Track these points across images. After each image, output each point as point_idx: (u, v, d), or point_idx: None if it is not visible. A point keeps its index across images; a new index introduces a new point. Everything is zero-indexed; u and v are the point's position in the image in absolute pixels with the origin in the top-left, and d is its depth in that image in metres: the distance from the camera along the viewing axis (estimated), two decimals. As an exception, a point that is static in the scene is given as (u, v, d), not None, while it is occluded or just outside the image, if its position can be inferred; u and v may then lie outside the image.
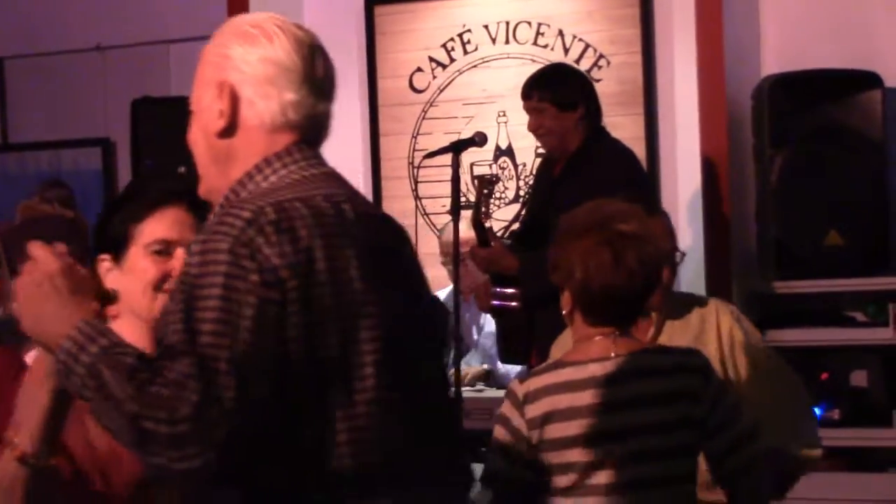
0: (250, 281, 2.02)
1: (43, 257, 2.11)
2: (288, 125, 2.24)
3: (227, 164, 2.26)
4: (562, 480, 2.88)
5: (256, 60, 2.23)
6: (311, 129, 2.28)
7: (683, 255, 3.73)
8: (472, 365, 5.46)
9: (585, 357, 2.93)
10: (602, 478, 2.85)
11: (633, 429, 2.87)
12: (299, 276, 2.06)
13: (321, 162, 2.29)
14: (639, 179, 4.99)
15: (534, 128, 5.00)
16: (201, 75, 2.29)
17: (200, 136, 2.29)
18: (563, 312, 2.99)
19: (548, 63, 5.91)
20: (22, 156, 7.55)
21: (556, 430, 2.88)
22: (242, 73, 2.23)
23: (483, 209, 4.85)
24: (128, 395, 1.96)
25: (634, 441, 2.86)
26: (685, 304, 3.71)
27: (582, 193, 4.49)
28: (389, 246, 2.27)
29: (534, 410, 2.90)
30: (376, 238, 2.22)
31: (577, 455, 2.86)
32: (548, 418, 2.89)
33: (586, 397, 2.87)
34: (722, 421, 2.91)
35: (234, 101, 2.24)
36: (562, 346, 3.53)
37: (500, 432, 2.97)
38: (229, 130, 2.25)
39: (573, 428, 2.86)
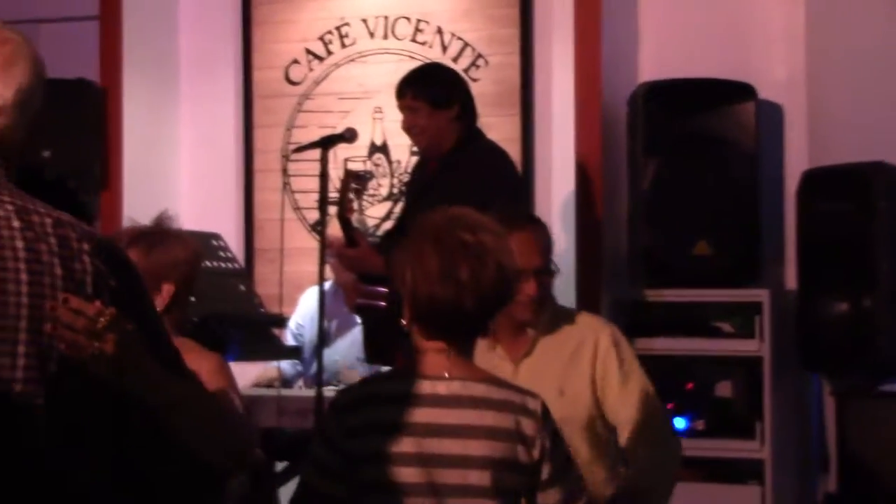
0: None
1: None
2: None
3: None
4: (372, 499, 2.70)
5: None
6: None
7: (557, 269, 3.66)
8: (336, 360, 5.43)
9: (418, 372, 2.75)
10: (414, 502, 2.67)
11: (454, 458, 2.67)
12: None
13: None
14: (512, 182, 4.94)
15: (407, 126, 4.93)
16: None
17: None
18: (404, 321, 2.78)
19: (425, 60, 5.84)
20: None
21: (373, 444, 2.69)
22: None
23: (352, 206, 4.75)
24: None
25: (453, 471, 2.67)
26: (564, 321, 3.64)
27: (453, 194, 4.44)
28: None
29: (353, 421, 2.72)
30: None
31: (390, 473, 2.67)
32: (367, 430, 2.70)
33: (411, 414, 2.69)
34: (555, 474, 2.74)
35: None
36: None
37: (316, 444, 2.79)
38: None
39: (392, 444, 2.68)
